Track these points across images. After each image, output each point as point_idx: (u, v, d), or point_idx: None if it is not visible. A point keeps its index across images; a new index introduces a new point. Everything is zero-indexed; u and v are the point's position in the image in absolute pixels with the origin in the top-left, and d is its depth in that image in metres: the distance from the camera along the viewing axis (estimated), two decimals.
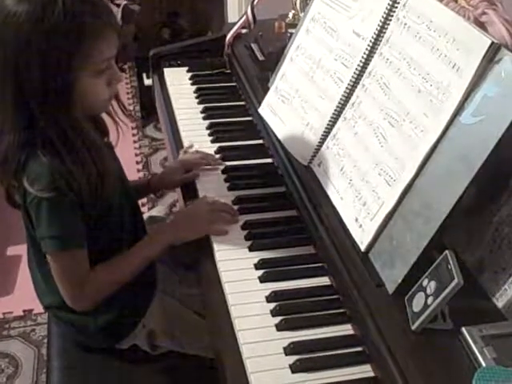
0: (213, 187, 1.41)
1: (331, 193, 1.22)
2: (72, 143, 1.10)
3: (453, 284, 0.91)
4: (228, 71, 1.87)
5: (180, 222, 1.31)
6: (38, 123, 1.08)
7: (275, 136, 1.44)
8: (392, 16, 1.19)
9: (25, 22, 1.03)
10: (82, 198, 1.12)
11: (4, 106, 1.10)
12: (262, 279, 1.16)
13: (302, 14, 1.76)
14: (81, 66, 1.08)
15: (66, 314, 1.25)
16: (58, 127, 1.09)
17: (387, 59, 1.18)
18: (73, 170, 1.09)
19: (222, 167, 1.46)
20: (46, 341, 1.99)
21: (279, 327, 1.06)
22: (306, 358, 1.01)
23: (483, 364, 0.89)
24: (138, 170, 2.94)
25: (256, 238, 1.25)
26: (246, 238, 1.25)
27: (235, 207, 1.33)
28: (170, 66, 1.92)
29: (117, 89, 1.20)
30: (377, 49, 1.21)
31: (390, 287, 1.03)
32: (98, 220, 1.19)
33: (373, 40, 1.22)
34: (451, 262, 0.94)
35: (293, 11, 1.88)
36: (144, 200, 2.73)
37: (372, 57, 1.22)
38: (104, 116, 1.28)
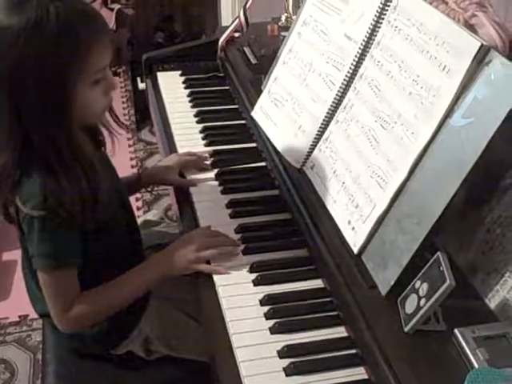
0: (206, 190, 1.41)
1: (324, 196, 1.22)
2: (66, 160, 1.08)
3: (445, 286, 0.92)
4: (221, 75, 1.87)
5: (170, 254, 1.23)
6: (33, 141, 1.07)
7: (268, 139, 1.45)
8: (383, 19, 1.19)
9: (17, 36, 1.01)
10: (75, 216, 1.10)
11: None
12: (256, 282, 1.16)
13: (294, 17, 1.77)
14: (76, 78, 1.06)
15: None
16: (53, 143, 1.07)
17: (378, 62, 1.18)
18: (66, 188, 1.07)
19: (215, 171, 1.47)
20: (41, 346, 1.99)
21: (273, 330, 1.06)
22: (299, 360, 1.01)
23: (476, 365, 0.89)
24: None
25: (249, 241, 1.25)
26: (240, 242, 1.25)
27: (228, 210, 1.34)
28: (164, 69, 1.92)
29: (111, 98, 1.19)
30: (368, 52, 1.22)
31: (383, 289, 1.03)
32: (92, 235, 1.17)
33: (364, 43, 1.23)
34: (443, 263, 0.94)
35: (285, 14, 1.89)
36: (139, 204, 2.74)
37: (363, 60, 1.22)
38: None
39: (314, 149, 1.30)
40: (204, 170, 1.47)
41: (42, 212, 1.08)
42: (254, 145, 1.55)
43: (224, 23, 3.01)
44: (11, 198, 1.12)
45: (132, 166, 2.99)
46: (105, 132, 1.29)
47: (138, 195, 2.81)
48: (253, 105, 1.55)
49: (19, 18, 1.02)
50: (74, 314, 1.17)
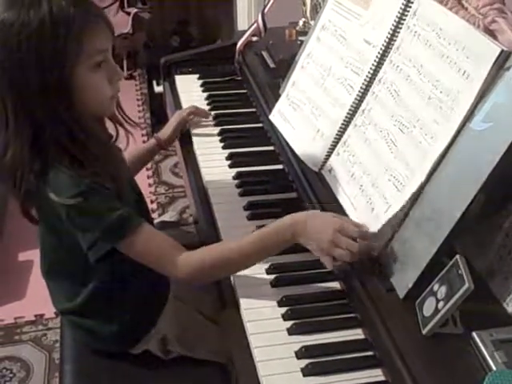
0: (224, 192, 1.42)
1: (342, 199, 1.23)
2: (80, 141, 1.10)
3: (463, 289, 0.92)
4: (239, 78, 1.89)
5: (307, 228, 1.13)
6: (44, 130, 1.08)
7: (286, 142, 1.46)
8: (402, 24, 1.20)
9: (13, 26, 1.04)
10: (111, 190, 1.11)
11: (5, 118, 1.09)
12: (274, 284, 1.17)
13: (312, 22, 1.78)
14: (74, 60, 1.07)
15: (80, 319, 1.26)
16: (62, 127, 1.09)
17: (397, 67, 1.19)
18: (92, 170, 1.09)
19: (233, 173, 1.48)
20: (57, 345, 2.02)
21: (291, 331, 1.07)
22: (317, 361, 1.02)
23: (494, 368, 0.90)
24: (148, 177, 2.96)
25: None
26: None
27: (246, 213, 1.35)
28: (181, 73, 1.94)
29: (119, 88, 1.18)
30: (387, 56, 1.23)
31: (401, 292, 1.03)
32: None
33: (383, 48, 1.24)
34: (462, 266, 0.95)
35: (303, 19, 1.90)
36: (154, 206, 2.76)
37: (382, 64, 1.23)
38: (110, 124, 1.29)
39: (332, 152, 1.31)
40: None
41: (79, 198, 1.07)
42: (271, 148, 1.57)
43: (240, 27, 3.02)
44: (31, 196, 1.13)
45: (147, 169, 2.99)
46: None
47: (153, 197, 2.83)
48: (271, 108, 1.56)
49: (14, 9, 1.05)
50: (196, 258, 1.14)
